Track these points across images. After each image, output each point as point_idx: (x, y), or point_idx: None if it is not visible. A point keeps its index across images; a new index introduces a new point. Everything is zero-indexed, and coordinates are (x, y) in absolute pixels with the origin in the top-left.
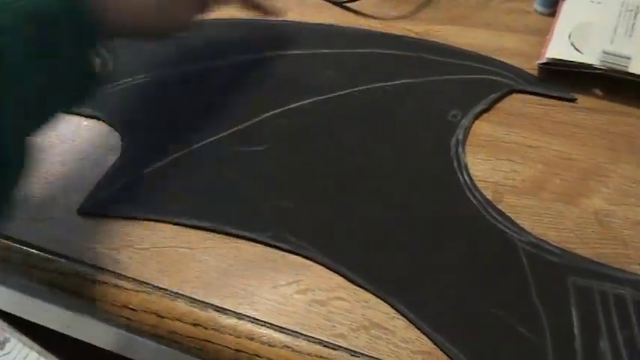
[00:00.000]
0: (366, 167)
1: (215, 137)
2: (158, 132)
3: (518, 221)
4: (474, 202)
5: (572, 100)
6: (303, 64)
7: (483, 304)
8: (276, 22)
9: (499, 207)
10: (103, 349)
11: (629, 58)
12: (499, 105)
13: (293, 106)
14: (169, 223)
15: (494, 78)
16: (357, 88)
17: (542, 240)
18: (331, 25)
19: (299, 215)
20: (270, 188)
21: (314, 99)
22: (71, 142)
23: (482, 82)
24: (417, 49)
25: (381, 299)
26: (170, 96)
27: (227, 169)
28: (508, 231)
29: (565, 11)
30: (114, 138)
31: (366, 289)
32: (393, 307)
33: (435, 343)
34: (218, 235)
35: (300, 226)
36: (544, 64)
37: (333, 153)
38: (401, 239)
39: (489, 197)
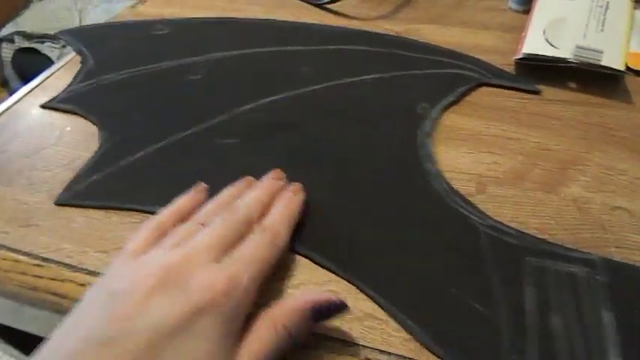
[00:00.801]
0: (336, 159)
1: (190, 131)
2: (135, 126)
3: (500, 210)
4: (439, 189)
5: (537, 93)
6: (278, 61)
7: (444, 284)
8: (254, 21)
9: (480, 197)
10: None
11: (601, 52)
12: (468, 98)
13: (266, 100)
14: (146, 212)
15: (463, 72)
16: (329, 83)
17: (501, 223)
18: (310, 24)
19: None
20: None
21: (287, 94)
22: (55, 148)
23: (451, 76)
24: (390, 45)
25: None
26: (147, 92)
27: (201, 161)
28: (471, 216)
29: (539, 8)
30: (97, 143)
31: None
32: (355, 285)
33: (398, 322)
34: None
35: None
36: (520, 59)
37: (303, 145)
38: (368, 226)
39: (474, 189)
